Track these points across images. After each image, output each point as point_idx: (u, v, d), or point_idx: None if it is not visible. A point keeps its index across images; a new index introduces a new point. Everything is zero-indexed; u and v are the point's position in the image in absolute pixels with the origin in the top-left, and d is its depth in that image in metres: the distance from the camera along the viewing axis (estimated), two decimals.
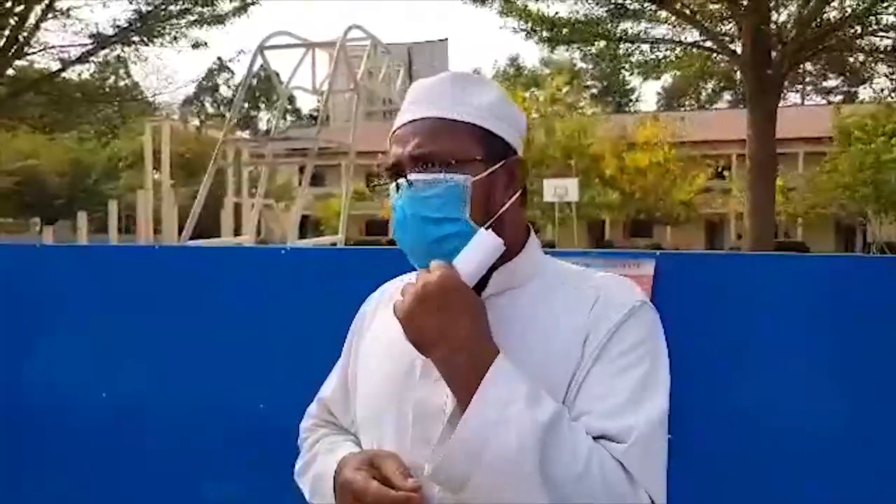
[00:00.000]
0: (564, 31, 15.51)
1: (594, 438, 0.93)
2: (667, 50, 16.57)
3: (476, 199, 1.05)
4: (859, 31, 14.51)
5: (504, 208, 1.08)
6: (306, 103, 61.84)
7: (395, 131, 1.11)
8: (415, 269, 1.11)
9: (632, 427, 0.94)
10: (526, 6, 15.41)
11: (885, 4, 13.34)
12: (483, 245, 1.01)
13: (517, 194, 1.11)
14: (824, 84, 46.80)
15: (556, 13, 15.57)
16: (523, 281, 1.09)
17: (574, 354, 1.01)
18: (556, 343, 1.02)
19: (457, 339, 0.95)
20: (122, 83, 26.77)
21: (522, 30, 15.77)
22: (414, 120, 1.09)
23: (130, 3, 17.85)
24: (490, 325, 1.00)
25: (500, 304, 1.06)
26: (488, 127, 1.09)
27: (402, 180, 1.06)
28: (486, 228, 1.05)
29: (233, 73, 60.51)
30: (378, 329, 1.18)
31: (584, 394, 0.98)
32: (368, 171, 26.45)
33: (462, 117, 1.08)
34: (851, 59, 16.80)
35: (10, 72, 19.08)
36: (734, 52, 14.89)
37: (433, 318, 0.95)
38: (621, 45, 16.32)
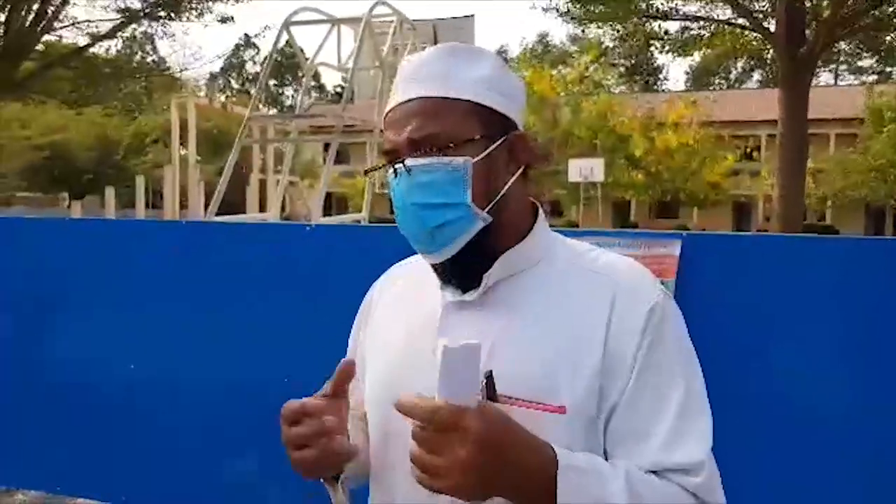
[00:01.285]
0: (594, 8, 15.27)
1: (656, 472, 0.94)
2: (700, 28, 16.27)
3: (477, 181, 1.01)
4: None
5: (506, 187, 1.04)
6: (331, 80, 61.74)
7: (388, 113, 1.06)
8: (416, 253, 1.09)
9: (702, 462, 0.95)
10: None
11: None
12: (455, 362, 0.85)
13: (519, 171, 1.06)
14: (858, 64, 45.73)
15: None
16: (531, 264, 1.06)
17: (594, 350, 0.98)
18: (570, 332, 0.99)
19: (518, 487, 0.88)
20: (148, 59, 26.95)
21: (553, 8, 15.57)
22: (407, 101, 1.03)
23: None
24: (496, 312, 1.00)
25: (505, 289, 1.04)
26: (485, 102, 1.03)
27: (399, 166, 1.01)
28: (490, 210, 1.02)
29: (258, 49, 60.66)
30: (384, 315, 1.17)
31: (630, 419, 0.97)
32: None
33: (457, 94, 1.02)
34: (888, 38, 16.36)
35: (39, 47, 19.29)
36: (767, 29, 14.58)
37: (486, 485, 0.86)
38: (652, 22, 16.06)
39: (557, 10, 15.55)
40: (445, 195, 1.00)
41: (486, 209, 1.02)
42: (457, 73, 1.03)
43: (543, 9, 15.72)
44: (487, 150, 1.02)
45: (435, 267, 1.07)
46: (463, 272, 1.04)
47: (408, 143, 1.02)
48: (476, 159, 1.01)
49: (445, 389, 0.85)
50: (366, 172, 1.27)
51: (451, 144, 1.00)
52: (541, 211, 1.11)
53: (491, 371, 0.90)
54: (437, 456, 0.84)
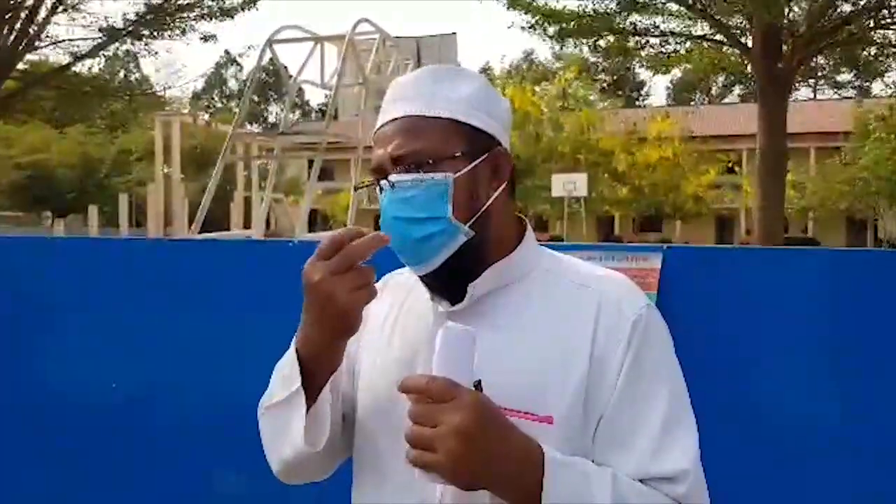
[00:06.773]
0: (571, 24, 15.45)
1: (642, 480, 0.96)
2: (677, 43, 16.50)
3: (459, 196, 1.04)
4: (871, 24, 14.41)
5: (489, 202, 1.07)
6: (315, 97, 61.86)
7: (376, 132, 1.10)
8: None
9: (687, 471, 0.96)
10: (532, 0, 15.35)
11: None
12: (454, 342, 0.91)
13: (502, 187, 1.09)
14: (836, 78, 46.48)
15: (565, 7, 15.53)
16: (519, 277, 1.09)
17: (580, 363, 1.00)
18: (557, 344, 1.02)
19: (507, 472, 0.90)
20: (131, 77, 26.91)
21: (530, 25, 15.72)
22: (393, 119, 1.07)
23: None
24: (484, 324, 1.01)
25: (494, 301, 1.06)
26: (468, 120, 1.06)
27: (384, 182, 1.05)
28: (472, 224, 1.04)
29: (241, 66, 60.71)
30: (377, 324, 1.18)
31: (615, 429, 0.99)
32: None
33: (440, 113, 1.05)
34: (864, 53, 16.68)
35: (20, 66, 19.20)
36: (745, 45, 14.81)
37: (479, 461, 0.88)
38: (631, 39, 16.25)
39: (532, 26, 15.70)
40: (427, 210, 1.03)
41: (469, 223, 1.05)
42: (440, 92, 1.07)
43: (522, 27, 15.86)
44: (469, 167, 1.05)
45: (422, 279, 1.09)
46: (449, 284, 1.07)
47: (391, 160, 1.05)
48: (457, 175, 1.04)
49: (442, 369, 0.89)
50: (355, 189, 1.30)
51: (432, 161, 1.03)
52: (528, 225, 1.14)
53: (479, 380, 0.92)
54: (432, 426, 0.86)
